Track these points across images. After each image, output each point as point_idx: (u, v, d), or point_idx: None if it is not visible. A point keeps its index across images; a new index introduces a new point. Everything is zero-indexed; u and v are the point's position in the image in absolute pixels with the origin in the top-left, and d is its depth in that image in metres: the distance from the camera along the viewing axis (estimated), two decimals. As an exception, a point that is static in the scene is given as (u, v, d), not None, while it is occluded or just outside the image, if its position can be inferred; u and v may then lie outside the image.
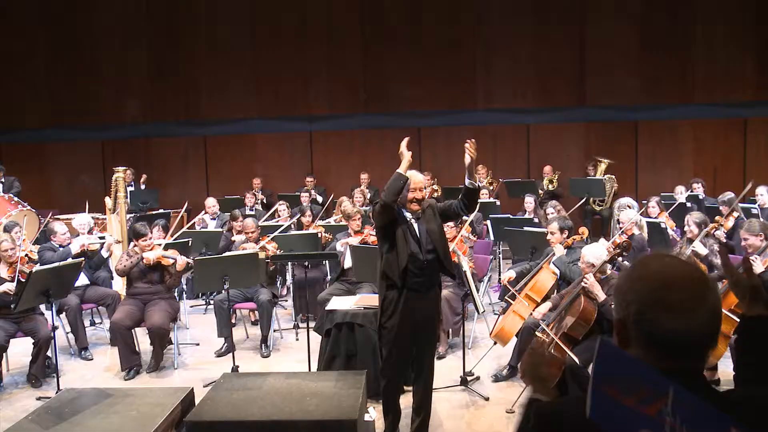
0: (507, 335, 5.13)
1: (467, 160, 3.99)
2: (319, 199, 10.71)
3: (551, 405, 1.34)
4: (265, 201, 10.66)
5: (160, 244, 6.31)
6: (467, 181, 4.07)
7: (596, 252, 4.68)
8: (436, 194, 10.40)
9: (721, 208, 7.34)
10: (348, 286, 6.20)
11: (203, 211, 8.98)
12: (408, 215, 4.09)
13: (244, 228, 6.84)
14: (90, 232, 7.14)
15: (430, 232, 4.10)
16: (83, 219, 7.16)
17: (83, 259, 6.19)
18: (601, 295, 4.43)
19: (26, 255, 5.76)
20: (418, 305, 4.07)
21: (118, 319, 5.67)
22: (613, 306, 4.19)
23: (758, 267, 4.74)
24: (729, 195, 7.44)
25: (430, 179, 10.73)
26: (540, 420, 1.30)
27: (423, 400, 4.26)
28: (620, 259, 4.87)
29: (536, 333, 4.74)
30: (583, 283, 4.56)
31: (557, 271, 5.30)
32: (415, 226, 4.10)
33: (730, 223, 6.92)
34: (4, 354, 5.47)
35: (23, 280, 5.18)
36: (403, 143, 4.00)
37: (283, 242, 6.89)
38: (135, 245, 6.11)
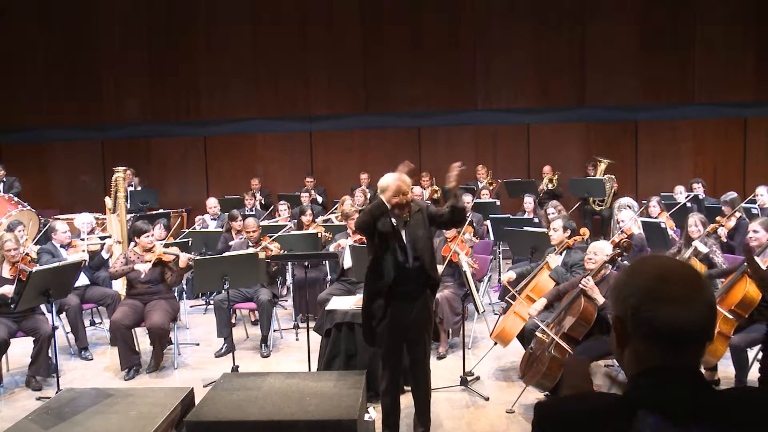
0: (508, 336, 5.13)
1: (452, 184, 3.96)
2: (319, 199, 10.71)
3: (552, 403, 1.34)
4: (263, 201, 10.66)
5: (160, 243, 6.30)
6: (453, 201, 3.98)
7: (604, 247, 4.77)
8: (436, 195, 10.40)
9: (723, 207, 7.33)
10: (348, 286, 6.20)
11: (199, 215, 8.99)
12: (394, 221, 3.97)
13: (245, 227, 6.83)
14: (92, 231, 7.13)
15: (416, 239, 3.97)
16: (85, 218, 7.16)
17: (83, 259, 6.19)
18: (601, 299, 4.43)
19: (27, 254, 5.76)
20: (408, 310, 4.02)
21: (117, 319, 5.66)
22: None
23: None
24: (732, 195, 7.43)
25: (429, 179, 10.72)
26: (541, 419, 1.30)
27: (423, 406, 4.21)
28: (620, 259, 4.87)
29: (536, 333, 4.74)
30: (582, 286, 4.56)
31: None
32: (403, 233, 3.97)
33: (731, 223, 6.91)
34: (5, 351, 5.45)
35: (24, 280, 5.18)
36: (403, 169, 3.94)
37: (283, 242, 6.88)
38: (135, 245, 6.10)
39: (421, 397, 4.22)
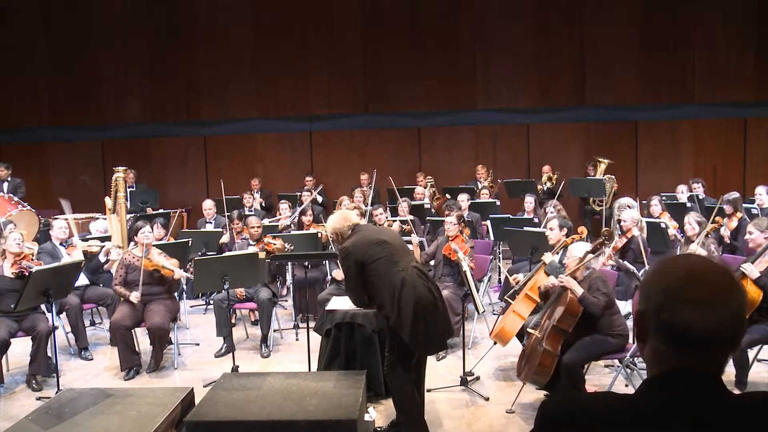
0: (507, 335, 5.12)
1: None
2: (320, 199, 10.70)
3: (556, 403, 1.33)
4: (264, 203, 10.61)
5: (160, 252, 6.15)
6: None
7: (581, 249, 4.77)
8: (436, 200, 10.35)
9: (725, 206, 7.31)
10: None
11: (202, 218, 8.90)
12: None
13: (248, 225, 6.82)
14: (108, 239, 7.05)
15: None
16: (100, 225, 7.17)
17: (83, 259, 6.19)
18: (578, 290, 4.47)
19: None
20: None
21: (117, 319, 5.66)
22: (592, 299, 4.26)
23: (754, 273, 4.72)
24: (734, 195, 7.41)
25: (424, 179, 10.67)
26: (544, 418, 1.29)
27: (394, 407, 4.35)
28: (605, 249, 4.90)
29: (528, 330, 4.78)
30: (559, 282, 4.61)
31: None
32: None
33: (734, 223, 6.88)
34: (6, 351, 5.44)
35: (26, 275, 5.17)
36: None
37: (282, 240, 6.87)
38: (135, 245, 6.10)
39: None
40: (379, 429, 4.44)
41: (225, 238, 7.88)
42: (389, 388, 4.57)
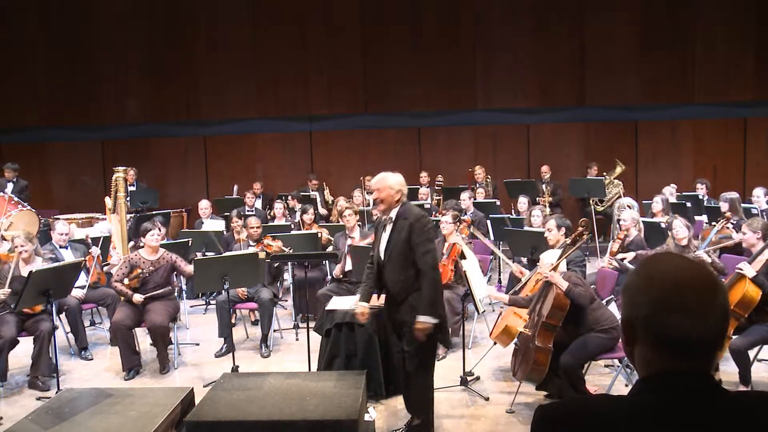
0: (508, 336, 5.12)
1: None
2: (329, 200, 10.64)
3: (554, 406, 1.33)
4: (269, 209, 10.55)
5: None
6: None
7: (553, 256, 4.82)
8: (436, 197, 10.32)
9: (721, 204, 7.27)
10: (348, 287, 6.20)
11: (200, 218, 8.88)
12: (384, 217, 4.19)
13: (247, 225, 6.82)
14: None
15: (391, 241, 4.07)
16: (104, 227, 7.16)
17: (83, 259, 6.19)
18: (563, 284, 4.47)
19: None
20: (393, 309, 4.18)
21: (118, 319, 5.66)
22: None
23: (750, 272, 4.72)
24: (733, 194, 7.34)
25: (428, 177, 10.62)
26: (542, 420, 1.28)
27: (413, 407, 4.28)
28: (583, 239, 4.93)
29: (519, 329, 4.81)
30: (544, 277, 4.63)
31: None
32: (386, 229, 4.13)
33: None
34: (14, 347, 5.43)
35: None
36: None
37: (282, 242, 6.87)
38: (140, 247, 6.08)
39: (411, 398, 4.29)
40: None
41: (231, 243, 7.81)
42: (398, 385, 4.57)
